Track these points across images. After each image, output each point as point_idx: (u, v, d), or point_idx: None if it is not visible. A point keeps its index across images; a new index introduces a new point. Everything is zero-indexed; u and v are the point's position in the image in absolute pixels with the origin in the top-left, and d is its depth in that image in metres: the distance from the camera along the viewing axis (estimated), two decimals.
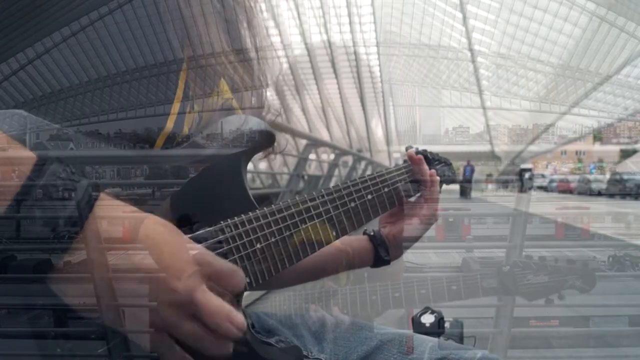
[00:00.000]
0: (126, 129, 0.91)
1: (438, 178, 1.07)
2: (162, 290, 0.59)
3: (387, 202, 0.97)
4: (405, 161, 1.07)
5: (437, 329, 1.63)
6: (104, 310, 0.58)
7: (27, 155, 0.58)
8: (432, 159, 1.11)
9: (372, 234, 1.06)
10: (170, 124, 0.85)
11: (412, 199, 1.06)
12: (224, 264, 0.65)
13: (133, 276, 0.59)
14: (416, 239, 1.07)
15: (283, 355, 0.85)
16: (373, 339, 0.97)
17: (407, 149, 1.08)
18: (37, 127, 0.85)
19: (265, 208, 0.77)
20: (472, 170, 17.70)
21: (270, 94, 0.96)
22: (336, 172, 7.11)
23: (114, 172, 0.85)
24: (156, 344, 0.60)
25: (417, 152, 1.07)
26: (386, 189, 0.97)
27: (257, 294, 1.67)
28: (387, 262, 1.06)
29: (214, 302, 0.61)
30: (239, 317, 0.62)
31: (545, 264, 1.86)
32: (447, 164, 1.16)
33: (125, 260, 0.59)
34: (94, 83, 0.92)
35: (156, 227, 0.62)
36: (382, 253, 1.05)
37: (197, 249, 0.64)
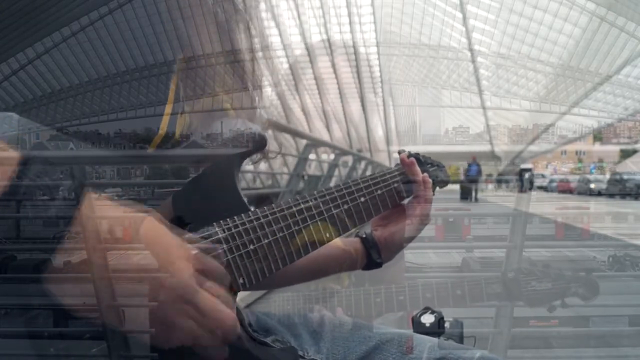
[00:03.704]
0: (125, 129, 0.91)
1: (430, 181, 1.07)
2: (158, 288, 0.60)
3: (380, 204, 0.97)
4: (397, 164, 1.07)
5: (437, 329, 1.63)
6: (103, 308, 0.58)
7: (11, 156, 0.59)
8: (424, 162, 1.11)
9: (364, 236, 1.06)
10: (163, 125, 0.85)
11: (405, 202, 1.06)
12: (211, 261, 0.67)
13: (130, 275, 0.60)
14: (408, 241, 1.07)
15: (278, 355, 0.85)
16: (372, 339, 0.97)
17: (399, 153, 1.08)
18: (28, 130, 0.85)
19: (258, 209, 0.77)
20: (479, 170, 15.93)
21: (268, 95, 0.96)
22: (336, 172, 7.11)
23: (113, 172, 0.85)
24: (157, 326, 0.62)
25: (409, 155, 1.07)
26: (379, 192, 0.97)
27: (258, 294, 1.67)
28: (379, 265, 1.06)
29: (208, 300, 0.63)
30: (231, 316, 0.64)
31: (549, 271, 1.86)
32: (440, 166, 1.16)
33: (123, 259, 0.60)
34: (94, 83, 0.92)
35: (154, 226, 0.63)
36: (374, 256, 1.05)
37: (190, 248, 0.66)
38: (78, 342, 0.62)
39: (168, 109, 0.87)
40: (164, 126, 0.85)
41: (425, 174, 1.06)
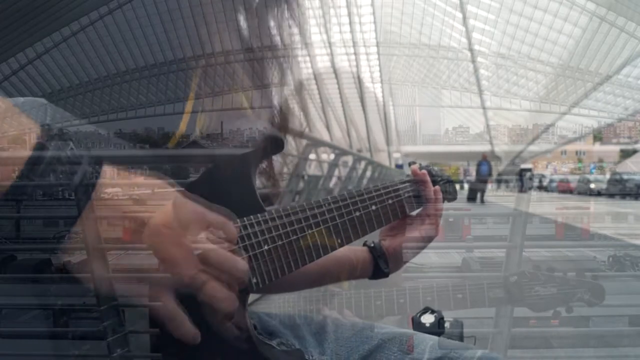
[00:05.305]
0: (126, 129, 0.91)
1: (441, 194, 1.08)
2: (170, 245, 0.63)
3: (390, 214, 0.98)
4: (408, 175, 1.08)
5: (437, 329, 1.63)
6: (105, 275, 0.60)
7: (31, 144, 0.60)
8: (434, 175, 1.12)
9: (372, 245, 1.06)
10: (183, 124, 0.86)
11: (414, 214, 1.07)
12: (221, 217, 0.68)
13: (142, 238, 0.62)
14: (415, 253, 1.08)
15: (285, 358, 0.85)
16: (374, 338, 0.98)
17: (410, 165, 1.09)
18: (56, 117, 0.86)
19: (273, 211, 0.78)
20: (490, 169, 15.09)
21: (280, 95, 0.96)
22: (336, 172, 7.10)
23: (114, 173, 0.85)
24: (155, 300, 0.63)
25: (421, 168, 1.08)
26: (390, 201, 0.98)
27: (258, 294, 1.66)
28: (386, 275, 1.07)
29: (219, 250, 0.66)
30: (241, 260, 0.67)
31: (554, 276, 1.83)
32: (449, 181, 1.17)
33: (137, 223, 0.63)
34: (94, 83, 0.92)
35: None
36: (381, 265, 1.06)
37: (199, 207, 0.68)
38: (78, 342, 0.62)
39: (189, 106, 0.88)
40: (183, 124, 0.86)
41: (437, 187, 1.07)
